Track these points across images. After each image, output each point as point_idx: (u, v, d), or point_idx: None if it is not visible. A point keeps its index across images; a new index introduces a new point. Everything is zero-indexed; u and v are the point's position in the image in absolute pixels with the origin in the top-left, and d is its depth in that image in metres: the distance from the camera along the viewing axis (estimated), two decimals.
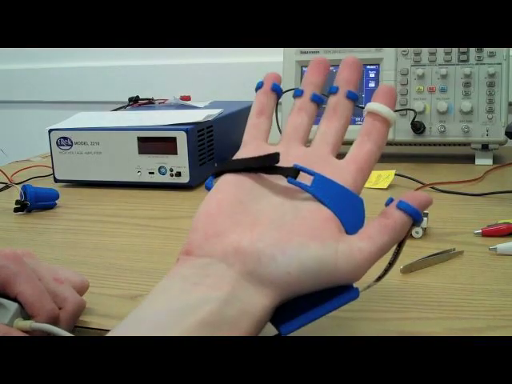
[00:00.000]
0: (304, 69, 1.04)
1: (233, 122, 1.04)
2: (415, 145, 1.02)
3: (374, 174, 0.89)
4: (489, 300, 0.49)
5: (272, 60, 1.20)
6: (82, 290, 0.50)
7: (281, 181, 0.39)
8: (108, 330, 0.48)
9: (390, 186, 0.84)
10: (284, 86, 1.05)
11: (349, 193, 0.39)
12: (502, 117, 0.95)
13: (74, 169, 0.93)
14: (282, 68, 1.05)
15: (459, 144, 0.99)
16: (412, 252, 0.59)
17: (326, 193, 0.38)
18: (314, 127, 0.44)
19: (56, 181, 0.94)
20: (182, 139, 0.86)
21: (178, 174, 0.87)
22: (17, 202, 0.81)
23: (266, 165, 0.39)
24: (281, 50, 1.08)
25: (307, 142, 0.44)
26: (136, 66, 1.43)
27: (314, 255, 0.35)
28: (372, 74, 1.01)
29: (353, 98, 0.43)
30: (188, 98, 1.17)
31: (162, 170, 0.88)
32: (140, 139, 0.88)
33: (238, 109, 1.08)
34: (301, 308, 0.36)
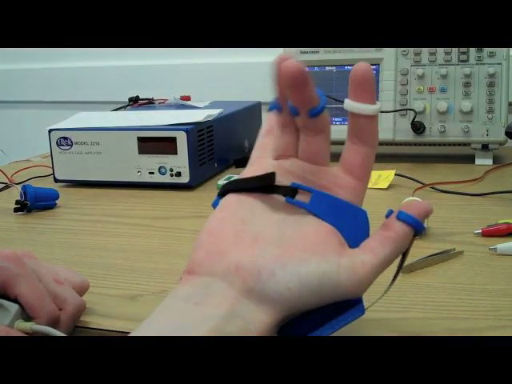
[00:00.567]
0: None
1: (233, 122, 1.04)
2: (415, 145, 1.02)
3: (374, 174, 0.89)
4: (489, 300, 0.49)
5: (272, 60, 1.20)
6: (82, 290, 0.50)
7: (281, 197, 0.39)
8: (108, 330, 0.48)
9: (390, 186, 0.84)
10: None
11: (349, 206, 0.38)
12: (502, 117, 0.95)
13: (74, 169, 0.93)
14: None
15: (459, 144, 0.99)
16: (412, 252, 0.58)
17: (325, 209, 0.38)
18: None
19: (56, 181, 0.94)
20: (181, 139, 0.86)
21: (178, 174, 0.87)
22: (17, 202, 0.81)
23: (262, 185, 0.39)
24: (281, 50, 1.08)
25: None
26: (136, 66, 1.43)
27: (315, 270, 0.35)
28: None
29: (314, 115, 0.39)
30: (188, 98, 1.17)
31: (162, 170, 0.88)
32: (140, 139, 0.88)
33: (238, 109, 1.08)
34: (307, 326, 0.36)
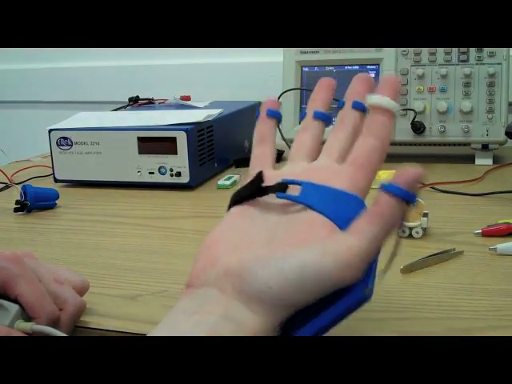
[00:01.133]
0: (304, 69, 1.04)
1: (233, 122, 1.04)
2: (415, 145, 1.02)
3: None
4: (489, 300, 0.49)
5: (272, 60, 1.20)
6: (82, 290, 0.50)
7: (276, 199, 0.39)
8: (108, 330, 0.48)
9: None
10: (284, 86, 1.05)
11: (342, 193, 0.38)
12: (501, 117, 0.95)
13: (74, 169, 0.93)
14: (281, 68, 1.05)
15: (459, 144, 0.99)
16: (412, 252, 0.59)
17: (314, 197, 0.38)
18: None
19: (56, 181, 0.94)
20: (182, 139, 0.86)
21: (178, 174, 0.87)
22: (17, 202, 0.81)
23: (253, 189, 0.39)
24: (281, 50, 1.08)
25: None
26: (136, 66, 1.43)
27: (296, 263, 0.34)
28: (372, 74, 1.01)
29: (359, 107, 0.42)
30: (188, 98, 1.17)
31: (162, 170, 0.88)
32: (140, 139, 0.88)
33: (238, 109, 1.08)
34: (308, 321, 0.36)
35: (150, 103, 1.19)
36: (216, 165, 0.97)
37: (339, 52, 1.02)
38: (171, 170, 0.87)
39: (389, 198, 0.35)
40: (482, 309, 0.47)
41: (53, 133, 0.93)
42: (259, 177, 0.40)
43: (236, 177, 0.91)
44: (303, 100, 1.04)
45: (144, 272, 0.59)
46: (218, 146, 0.97)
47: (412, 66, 0.99)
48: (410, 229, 0.63)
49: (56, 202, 0.84)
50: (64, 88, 1.50)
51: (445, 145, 1.00)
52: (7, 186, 0.96)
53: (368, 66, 1.01)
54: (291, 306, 0.35)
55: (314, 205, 0.37)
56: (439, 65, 0.98)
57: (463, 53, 0.97)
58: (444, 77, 0.97)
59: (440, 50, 0.98)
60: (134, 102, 1.19)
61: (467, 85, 0.96)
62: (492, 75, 0.95)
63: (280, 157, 0.98)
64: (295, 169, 0.42)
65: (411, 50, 0.99)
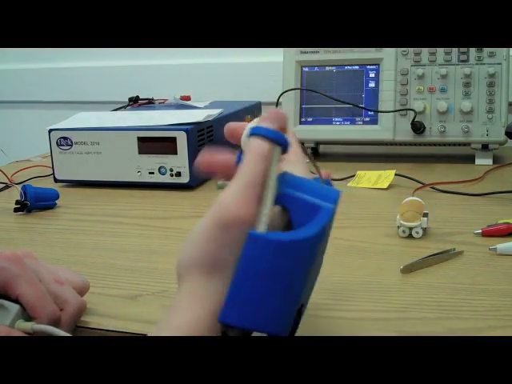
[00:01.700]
0: (304, 69, 1.04)
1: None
2: (415, 145, 1.02)
3: (374, 174, 0.89)
4: (489, 300, 0.49)
5: (272, 60, 1.20)
6: (82, 290, 0.50)
7: None
8: (108, 330, 0.48)
9: (390, 186, 0.84)
10: (284, 86, 1.05)
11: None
12: (501, 117, 0.95)
13: (74, 169, 0.93)
14: (281, 68, 1.05)
15: (459, 144, 0.99)
16: (412, 252, 0.59)
17: None
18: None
19: (56, 181, 0.94)
20: (182, 139, 0.86)
21: (178, 174, 0.87)
22: (17, 202, 0.81)
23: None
24: (281, 49, 1.08)
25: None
26: (136, 66, 1.43)
27: (196, 227, 0.37)
28: (372, 74, 1.01)
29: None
30: (188, 98, 1.17)
31: (162, 170, 0.88)
32: (140, 139, 0.88)
33: (238, 109, 1.08)
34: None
35: (149, 103, 1.19)
36: None
37: (339, 52, 1.02)
38: (171, 170, 0.87)
39: (256, 140, 0.35)
40: (482, 309, 0.47)
41: (53, 133, 0.93)
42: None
43: None
44: (303, 100, 1.04)
45: (144, 272, 0.59)
46: (218, 146, 0.97)
47: (412, 65, 0.99)
48: (410, 229, 0.63)
49: (56, 201, 0.84)
50: (64, 88, 1.50)
51: (445, 145, 1.00)
52: (7, 186, 0.96)
53: (368, 66, 1.01)
54: (223, 265, 0.35)
55: None
56: (439, 65, 0.98)
57: (463, 53, 0.97)
58: (444, 77, 0.97)
59: (440, 50, 0.98)
60: (134, 102, 1.19)
61: (467, 85, 0.96)
62: (492, 75, 0.95)
63: None
64: None
65: (411, 50, 0.99)
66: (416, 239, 0.63)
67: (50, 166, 0.95)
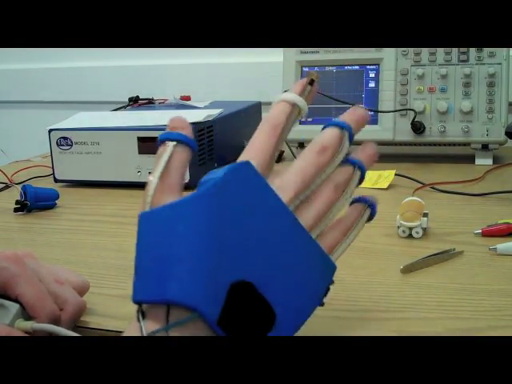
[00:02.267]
0: (304, 69, 1.04)
1: (233, 122, 1.04)
2: (415, 145, 1.02)
3: (374, 174, 0.89)
4: (489, 300, 0.49)
5: (272, 60, 1.20)
6: (82, 291, 0.50)
7: None
8: (108, 330, 0.48)
9: (390, 186, 0.84)
10: (284, 86, 1.04)
11: None
12: (501, 117, 0.95)
13: (74, 169, 0.93)
14: (281, 68, 1.05)
15: (459, 144, 0.99)
16: (412, 252, 0.59)
17: None
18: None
19: (56, 181, 0.94)
20: None
21: None
22: (17, 202, 0.81)
23: None
24: (281, 49, 1.08)
25: None
26: (136, 66, 1.43)
27: None
28: (372, 74, 1.01)
29: None
30: (188, 98, 1.17)
31: None
32: (140, 139, 0.88)
33: (238, 109, 1.08)
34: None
35: (149, 103, 1.19)
36: (216, 165, 0.96)
37: (339, 52, 1.02)
38: None
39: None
40: (482, 309, 0.47)
41: (53, 133, 0.93)
42: None
43: None
44: None
45: None
46: (218, 146, 0.97)
47: (412, 66, 0.99)
48: (410, 229, 0.63)
49: (56, 202, 0.84)
50: (64, 88, 1.50)
51: (445, 145, 1.00)
52: (7, 186, 0.96)
53: (368, 66, 1.01)
54: None
55: None
56: (439, 65, 0.98)
57: (463, 53, 0.97)
58: (444, 77, 0.97)
59: (440, 50, 0.98)
60: (134, 102, 1.19)
61: (467, 85, 0.96)
62: (492, 75, 0.95)
63: (280, 157, 0.98)
64: None
65: (411, 50, 0.99)
66: (416, 239, 0.63)
67: (50, 166, 0.95)
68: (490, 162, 0.97)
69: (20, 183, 0.95)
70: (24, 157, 1.21)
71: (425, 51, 0.98)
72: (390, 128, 0.99)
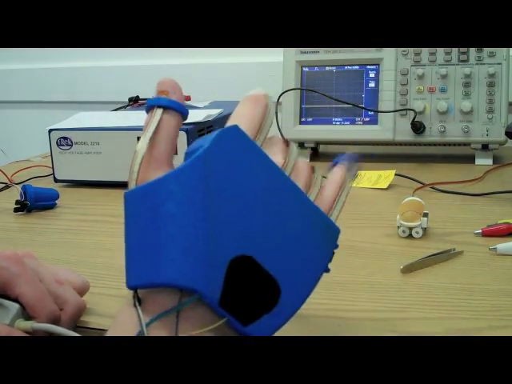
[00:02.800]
0: (304, 69, 1.04)
1: None
2: (415, 145, 1.02)
3: (374, 174, 0.89)
4: (489, 300, 0.49)
5: (272, 60, 1.20)
6: (82, 291, 0.50)
7: None
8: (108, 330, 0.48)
9: (390, 186, 0.84)
10: (284, 86, 1.05)
11: None
12: (502, 117, 0.95)
13: (74, 169, 0.93)
14: (281, 68, 1.05)
15: (459, 144, 0.99)
16: (412, 252, 0.59)
17: None
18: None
19: (56, 181, 0.94)
20: (181, 139, 0.86)
21: None
22: (17, 202, 0.81)
23: None
24: (281, 49, 1.08)
25: None
26: (136, 66, 1.43)
27: None
28: (372, 74, 1.01)
29: None
30: (188, 98, 1.17)
31: None
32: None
33: None
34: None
35: None
36: None
37: (339, 52, 1.02)
38: None
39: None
40: (482, 309, 0.47)
41: (53, 133, 0.93)
42: None
43: None
44: (303, 100, 1.04)
45: None
46: None
47: (412, 66, 0.99)
48: (410, 229, 0.63)
49: (56, 202, 0.84)
50: (64, 88, 1.50)
51: (445, 145, 1.00)
52: (7, 186, 0.96)
53: (368, 66, 1.01)
54: None
55: None
56: (439, 65, 0.98)
57: (463, 53, 0.97)
58: (444, 77, 0.97)
59: (440, 50, 0.98)
60: (134, 102, 1.19)
61: (467, 85, 0.96)
62: (492, 75, 0.95)
63: None
64: None
65: (411, 50, 0.99)
66: (416, 239, 0.63)
67: (50, 166, 0.95)
68: (490, 162, 0.97)
69: (20, 183, 0.95)
70: (24, 157, 1.21)
71: (425, 51, 0.98)
72: (390, 128, 0.99)
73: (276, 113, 0.94)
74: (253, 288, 0.33)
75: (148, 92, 1.35)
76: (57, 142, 0.93)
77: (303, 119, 1.04)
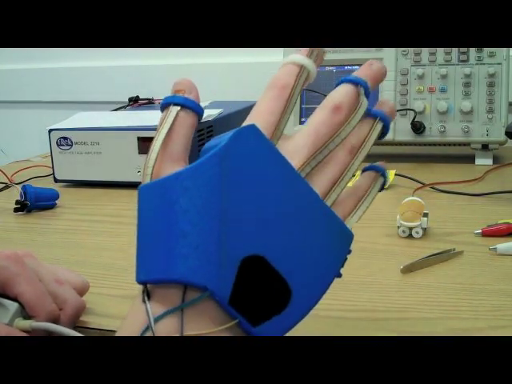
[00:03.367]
0: None
1: (233, 122, 1.04)
2: (415, 145, 1.02)
3: None
4: (489, 300, 0.49)
5: (272, 60, 1.20)
6: (82, 291, 0.50)
7: None
8: (108, 330, 0.48)
9: (390, 186, 0.84)
10: None
11: None
12: (502, 117, 0.95)
13: (74, 169, 0.93)
14: None
15: (459, 144, 0.99)
16: (412, 252, 0.59)
17: None
18: None
19: (56, 181, 0.94)
20: None
21: None
22: (17, 202, 0.81)
23: None
24: (281, 49, 1.08)
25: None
26: (136, 66, 1.43)
27: None
28: None
29: None
30: None
31: None
32: (140, 139, 0.88)
33: (238, 109, 1.08)
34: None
35: (149, 103, 1.19)
36: None
37: (339, 52, 1.02)
38: None
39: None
40: (482, 309, 0.47)
41: (53, 133, 0.93)
42: None
43: None
44: (303, 100, 1.04)
45: None
46: None
47: (412, 65, 0.99)
48: (410, 229, 0.63)
49: (56, 202, 0.84)
50: (64, 88, 1.50)
51: (445, 145, 1.00)
52: (7, 186, 0.96)
53: None
54: None
55: None
56: (439, 65, 0.98)
57: (463, 53, 0.97)
58: (444, 77, 0.97)
59: (440, 50, 0.98)
60: (134, 102, 1.19)
61: (467, 85, 0.96)
62: (492, 75, 0.95)
63: None
64: None
65: (411, 50, 0.99)
66: (416, 239, 0.63)
67: (50, 165, 0.95)
68: (490, 162, 0.97)
69: (20, 183, 0.95)
70: (24, 157, 1.21)
71: (425, 51, 0.98)
72: (390, 128, 0.99)
73: None
74: (263, 288, 0.33)
75: (148, 92, 1.35)
76: (57, 142, 0.93)
77: (303, 119, 1.04)
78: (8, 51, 1.50)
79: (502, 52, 0.95)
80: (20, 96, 1.57)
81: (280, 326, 0.34)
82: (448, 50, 0.97)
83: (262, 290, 0.33)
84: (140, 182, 0.36)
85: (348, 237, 0.38)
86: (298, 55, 0.38)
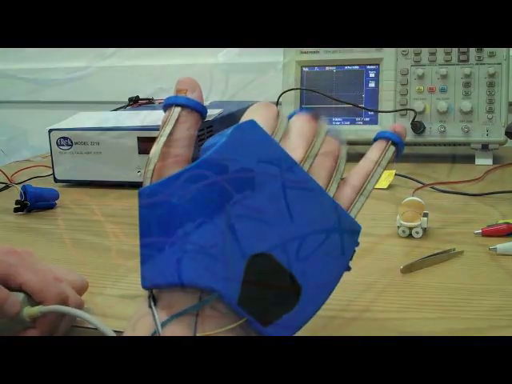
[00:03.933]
0: (304, 69, 1.04)
1: (233, 122, 1.04)
2: (415, 145, 1.02)
3: None
4: (489, 300, 0.49)
5: (272, 60, 1.20)
6: (81, 290, 0.50)
7: None
8: None
9: (390, 186, 0.84)
10: (284, 86, 1.05)
11: None
12: (502, 117, 0.95)
13: (74, 169, 0.93)
14: (281, 68, 1.05)
15: (459, 144, 0.99)
16: (412, 252, 0.59)
17: None
18: None
19: (56, 181, 0.94)
20: None
21: None
22: (17, 202, 0.81)
23: None
24: (281, 49, 1.08)
25: None
26: (136, 66, 1.42)
27: None
28: (372, 74, 1.01)
29: None
30: None
31: None
32: (140, 139, 0.88)
33: (238, 109, 1.08)
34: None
35: (149, 103, 1.19)
36: None
37: (339, 52, 1.02)
38: None
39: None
40: (482, 309, 0.47)
41: (53, 133, 0.93)
42: None
43: None
44: (303, 100, 1.04)
45: None
46: None
47: (412, 65, 0.99)
48: (410, 229, 0.63)
49: (56, 202, 0.84)
50: (64, 88, 1.50)
51: (445, 145, 1.00)
52: (7, 186, 0.96)
53: (368, 66, 1.01)
54: None
55: None
56: (439, 65, 0.98)
57: (463, 53, 0.97)
58: (444, 77, 0.97)
59: (440, 50, 0.98)
60: (134, 102, 1.19)
61: (467, 85, 0.96)
62: (492, 75, 0.95)
63: None
64: None
65: (411, 50, 0.99)
66: (416, 239, 0.63)
67: (50, 165, 0.95)
68: (490, 162, 0.97)
69: (20, 183, 0.95)
70: (24, 157, 1.21)
71: (425, 51, 0.98)
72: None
73: None
74: (272, 287, 0.32)
75: (148, 92, 1.35)
76: (57, 142, 0.93)
77: None
78: (8, 51, 1.50)
79: (501, 52, 0.95)
80: (20, 96, 1.57)
81: (291, 325, 0.33)
82: (448, 50, 0.97)
83: (270, 288, 0.32)
84: (141, 182, 0.35)
85: (355, 229, 0.37)
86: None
